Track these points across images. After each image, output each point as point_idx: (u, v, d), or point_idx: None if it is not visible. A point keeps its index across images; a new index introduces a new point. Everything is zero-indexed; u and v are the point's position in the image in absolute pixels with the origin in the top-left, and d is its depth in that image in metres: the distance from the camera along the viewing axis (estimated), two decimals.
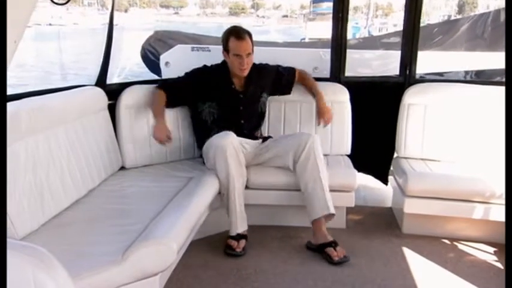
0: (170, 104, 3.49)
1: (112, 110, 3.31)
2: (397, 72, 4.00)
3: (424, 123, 3.70)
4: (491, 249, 3.30)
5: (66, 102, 2.89)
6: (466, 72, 7.09)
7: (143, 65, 7.24)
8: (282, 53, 5.62)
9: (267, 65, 3.83)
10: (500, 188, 3.03)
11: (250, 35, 3.44)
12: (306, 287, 2.82)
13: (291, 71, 3.86)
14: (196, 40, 6.88)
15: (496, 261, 3.18)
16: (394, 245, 3.32)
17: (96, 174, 2.96)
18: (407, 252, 3.23)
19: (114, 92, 3.35)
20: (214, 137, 3.25)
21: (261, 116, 3.79)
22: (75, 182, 2.68)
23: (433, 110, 3.70)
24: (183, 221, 2.44)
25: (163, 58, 6.07)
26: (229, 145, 3.13)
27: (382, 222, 3.65)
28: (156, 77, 6.05)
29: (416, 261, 3.14)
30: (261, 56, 3.54)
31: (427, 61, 5.66)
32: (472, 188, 3.20)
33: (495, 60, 7.75)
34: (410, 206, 3.32)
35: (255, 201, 3.31)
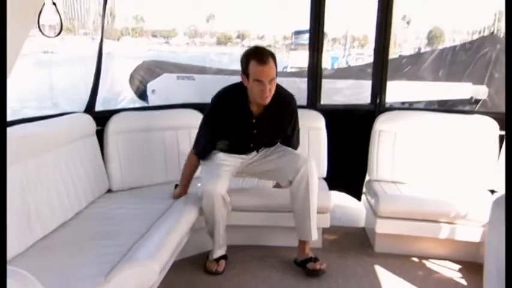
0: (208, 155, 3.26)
1: (100, 135, 3.31)
2: (369, 101, 4.03)
3: (394, 148, 3.73)
4: (457, 267, 3.33)
5: (56, 129, 2.88)
6: (431, 102, 7.20)
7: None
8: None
9: (293, 101, 3.28)
10: (464, 209, 3.12)
11: (274, 57, 2.87)
12: None
13: (295, 140, 3.40)
14: (182, 69, 6.92)
15: (461, 277, 3.21)
16: (367, 264, 3.33)
17: (84, 197, 2.94)
18: (379, 270, 3.24)
19: (102, 118, 3.34)
20: (205, 179, 3.13)
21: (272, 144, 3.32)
22: (63, 205, 2.66)
23: (402, 136, 3.73)
24: (166, 243, 2.45)
25: (150, 86, 6.12)
26: (217, 195, 2.96)
27: (356, 241, 3.66)
28: (143, 104, 6.08)
29: (387, 279, 3.15)
30: None
31: (397, 90, 5.78)
32: (438, 209, 3.23)
33: (457, 90, 7.98)
34: (382, 227, 3.34)
35: (236, 222, 3.28)
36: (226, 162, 3.12)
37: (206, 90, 4.69)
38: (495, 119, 3.70)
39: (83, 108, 3.33)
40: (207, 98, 3.81)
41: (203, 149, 3.18)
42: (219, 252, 3.16)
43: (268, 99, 2.91)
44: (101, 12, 3.49)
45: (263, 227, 3.45)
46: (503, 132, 3.59)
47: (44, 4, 2.25)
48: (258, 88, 2.83)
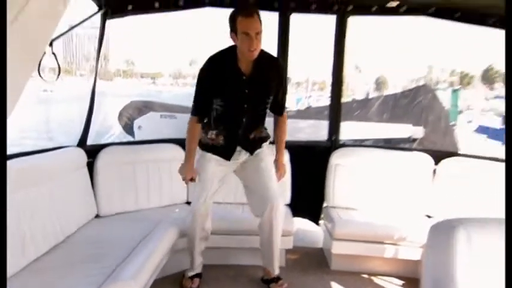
0: (206, 116, 2.99)
1: (91, 165, 3.21)
2: (326, 138, 4.03)
3: (347, 179, 3.73)
4: (400, 282, 3.36)
5: (51, 162, 2.79)
6: (378, 140, 7.38)
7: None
8: None
9: (279, 63, 3.05)
10: (405, 232, 3.16)
11: (258, 13, 2.62)
12: None
13: (284, 104, 3.14)
14: (166, 108, 6.98)
15: None
16: (324, 281, 3.29)
17: (73, 222, 2.83)
18: (335, 286, 3.21)
19: (93, 152, 3.24)
20: (195, 197, 2.98)
21: (263, 117, 3.03)
22: (54, 229, 2.56)
23: (354, 169, 3.74)
24: (146, 265, 2.36)
25: (137, 123, 6.13)
26: (198, 217, 2.92)
27: (315, 260, 3.60)
28: (130, 138, 6.09)
29: None
30: None
31: (349, 129, 5.90)
32: (384, 232, 3.24)
33: (399, 130, 8.28)
34: (337, 248, 3.31)
35: (212, 245, 3.18)
36: (216, 174, 2.96)
37: (186, 127, 4.65)
38: (430, 155, 3.77)
39: (77, 141, 3.24)
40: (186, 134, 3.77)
41: (200, 108, 2.92)
42: (195, 270, 3.08)
43: (256, 53, 2.65)
44: (96, 57, 3.44)
45: (235, 248, 3.35)
46: (436, 167, 3.71)
47: (44, 53, 2.18)
48: (246, 42, 2.57)
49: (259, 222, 3.00)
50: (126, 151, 3.49)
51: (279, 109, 3.06)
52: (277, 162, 3.14)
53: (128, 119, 7.14)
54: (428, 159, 3.72)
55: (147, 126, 6.02)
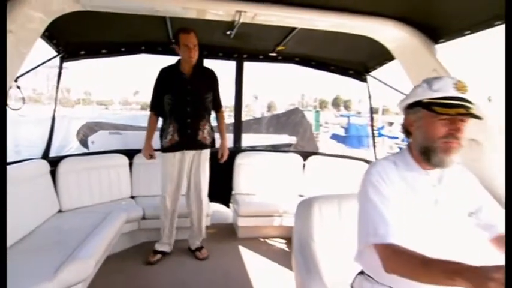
0: (159, 114, 2.98)
1: (54, 173, 3.03)
2: (233, 145, 4.08)
3: (247, 173, 3.83)
4: (284, 241, 3.52)
5: (21, 170, 2.60)
6: (267, 146, 7.64)
7: None
8: None
9: (214, 73, 3.01)
10: (286, 207, 3.33)
11: (195, 31, 2.71)
12: (186, 273, 2.78)
13: (220, 103, 3.12)
14: (114, 127, 6.77)
15: (286, 248, 3.40)
16: (234, 246, 3.36)
17: (40, 216, 2.67)
18: (241, 248, 3.30)
19: (55, 162, 3.06)
20: (162, 188, 2.96)
21: (206, 110, 2.95)
22: (23, 223, 2.41)
23: (251, 166, 3.85)
24: (99, 245, 2.30)
25: (90, 139, 5.84)
26: (168, 208, 2.97)
27: (227, 232, 3.66)
28: (85, 150, 5.82)
29: (246, 253, 3.22)
30: None
31: (248, 139, 6.09)
32: (272, 208, 3.40)
33: (280, 139, 8.74)
34: (241, 222, 3.41)
35: (154, 226, 3.16)
36: (175, 167, 2.91)
37: (129, 141, 4.52)
38: (300, 155, 4.00)
39: (41, 154, 3.05)
40: (130, 146, 3.67)
41: (155, 104, 2.92)
42: (160, 247, 3.04)
43: (194, 60, 2.76)
44: (55, 89, 3.29)
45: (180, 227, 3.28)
46: (304, 162, 3.95)
47: (10, 87, 2.06)
48: (187, 51, 2.70)
49: (191, 210, 3.06)
50: (82, 160, 3.33)
51: (217, 106, 3.05)
52: (222, 146, 3.11)
53: (83, 136, 6.80)
54: (299, 157, 3.94)
55: (98, 141, 5.72)
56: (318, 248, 1.55)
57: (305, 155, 4.01)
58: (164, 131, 2.92)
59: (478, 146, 1.97)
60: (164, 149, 2.91)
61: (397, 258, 1.05)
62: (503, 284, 0.74)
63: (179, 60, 2.86)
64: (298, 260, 1.52)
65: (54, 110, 3.21)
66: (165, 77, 2.87)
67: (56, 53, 3.05)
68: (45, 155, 3.06)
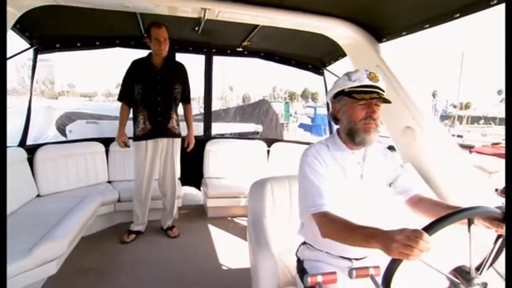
0: (130, 104, 2.84)
1: (31, 160, 2.91)
2: (202, 133, 4.05)
3: (216, 159, 3.82)
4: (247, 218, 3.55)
5: None
6: (235, 133, 7.66)
7: None
8: None
9: (183, 67, 2.93)
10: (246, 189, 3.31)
11: (166, 26, 2.64)
12: (158, 249, 2.78)
13: (189, 96, 3.03)
14: (91, 116, 6.57)
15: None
16: (203, 225, 3.38)
17: (20, 200, 2.60)
18: (210, 226, 3.33)
19: (32, 150, 2.94)
20: (136, 175, 2.89)
21: (175, 101, 2.87)
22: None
23: (220, 153, 3.85)
24: (73, 225, 2.26)
25: (68, 128, 5.66)
26: (142, 194, 2.91)
27: (198, 212, 3.67)
28: (63, 139, 5.65)
29: (214, 230, 3.26)
30: None
31: (217, 127, 6.07)
32: (238, 190, 3.41)
33: (248, 127, 8.81)
34: (211, 203, 3.42)
35: (130, 208, 3.10)
36: (148, 154, 2.83)
37: (105, 130, 4.40)
38: (265, 142, 4.02)
39: (18, 143, 2.93)
40: (106, 134, 3.57)
41: (123, 94, 2.81)
42: (134, 228, 3.00)
43: (164, 53, 2.69)
44: (30, 81, 3.12)
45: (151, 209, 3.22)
46: (269, 148, 3.97)
47: None
48: (157, 45, 2.63)
49: (164, 193, 3.04)
50: (59, 148, 3.21)
51: (185, 99, 2.97)
52: (189, 136, 3.05)
53: (61, 125, 6.55)
54: (264, 144, 3.97)
55: (76, 130, 5.56)
56: (269, 222, 1.59)
57: (269, 142, 4.04)
58: (135, 120, 2.83)
59: (412, 132, 2.07)
60: (137, 137, 2.82)
61: (330, 225, 1.13)
62: (404, 243, 0.80)
63: (150, 53, 2.79)
64: (251, 234, 1.56)
65: (30, 101, 3.07)
66: (137, 67, 2.78)
67: (29, 46, 2.90)
68: (22, 143, 2.95)
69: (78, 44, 3.28)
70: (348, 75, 1.25)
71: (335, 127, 1.43)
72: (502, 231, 0.94)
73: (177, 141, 2.98)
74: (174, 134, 2.91)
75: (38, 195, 2.91)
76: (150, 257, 2.66)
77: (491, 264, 0.91)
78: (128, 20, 2.79)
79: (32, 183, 2.87)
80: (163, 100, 2.79)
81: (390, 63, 2.13)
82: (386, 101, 1.20)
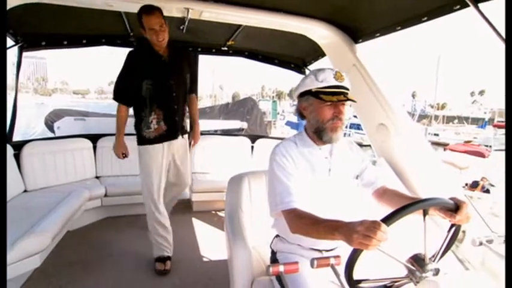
0: (131, 104, 2.27)
1: (18, 156, 2.85)
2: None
3: (202, 155, 3.78)
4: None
5: None
6: (223, 130, 7.65)
7: None
8: None
9: (190, 52, 2.43)
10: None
11: (160, 9, 2.03)
12: (144, 242, 2.68)
13: (194, 86, 2.56)
14: (79, 113, 6.45)
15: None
16: (188, 218, 3.37)
17: (7, 194, 2.51)
18: (194, 220, 3.32)
19: (19, 146, 2.87)
20: (147, 192, 2.31)
21: (186, 93, 2.40)
22: None
23: (206, 149, 3.79)
24: (57, 220, 2.21)
25: (56, 124, 5.55)
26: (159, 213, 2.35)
27: (184, 207, 3.62)
28: (51, 135, 5.56)
29: (198, 223, 3.25)
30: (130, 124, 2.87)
31: (205, 124, 6.03)
32: (219, 185, 3.27)
33: (234, 124, 8.82)
34: (195, 197, 3.39)
35: (116, 202, 3.11)
36: (164, 159, 2.29)
37: (93, 126, 4.31)
38: (250, 138, 4.02)
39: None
40: (93, 131, 3.50)
41: (124, 93, 2.23)
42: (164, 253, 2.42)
43: (164, 43, 2.12)
44: (15, 79, 2.97)
45: (130, 204, 3.24)
46: (253, 145, 3.95)
47: None
48: (154, 35, 2.05)
49: (168, 194, 2.60)
50: (47, 144, 3.13)
51: (192, 89, 2.49)
52: (195, 132, 2.59)
53: (50, 121, 6.42)
54: (248, 140, 3.96)
55: (64, 126, 5.46)
56: (245, 216, 1.59)
57: (253, 138, 4.02)
58: (143, 121, 2.25)
59: (386, 129, 2.09)
60: (149, 140, 2.25)
61: (298, 221, 1.13)
62: (364, 234, 0.81)
63: (147, 42, 2.19)
64: (227, 226, 1.56)
65: (15, 98, 2.96)
66: (140, 60, 2.19)
67: (13, 43, 2.81)
68: (7, 140, 2.85)
69: (65, 42, 3.17)
70: (315, 74, 1.22)
71: None
72: (454, 220, 0.97)
73: (186, 138, 2.53)
74: (184, 131, 2.44)
75: (25, 191, 2.84)
76: (135, 249, 2.63)
77: (445, 251, 0.93)
78: (113, 18, 2.71)
79: (19, 179, 2.79)
80: (178, 95, 2.29)
81: (366, 63, 2.15)
82: (353, 101, 1.18)
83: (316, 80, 1.21)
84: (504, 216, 0.94)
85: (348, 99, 1.18)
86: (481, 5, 1.28)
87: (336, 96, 1.17)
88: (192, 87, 2.49)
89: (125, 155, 2.41)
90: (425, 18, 1.67)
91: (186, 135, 2.48)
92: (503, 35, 1.13)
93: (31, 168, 2.89)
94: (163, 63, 2.21)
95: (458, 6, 1.43)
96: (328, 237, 0.96)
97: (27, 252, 1.85)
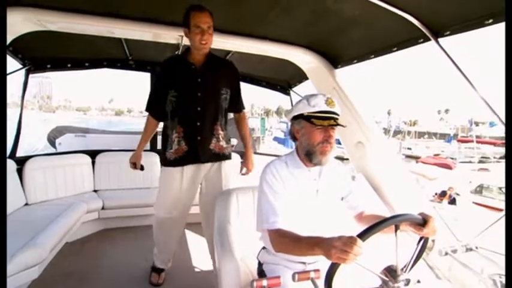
0: (158, 117, 1.96)
1: (20, 171, 2.77)
2: None
3: None
4: None
5: None
6: None
7: None
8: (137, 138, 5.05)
9: (233, 65, 1.99)
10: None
11: (210, 12, 1.70)
12: (139, 254, 2.62)
13: (240, 102, 2.08)
14: (81, 130, 6.37)
15: None
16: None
17: (8, 208, 2.44)
18: (187, 232, 3.15)
19: (22, 161, 2.80)
20: (163, 212, 1.98)
21: (220, 110, 1.89)
22: None
23: None
24: (55, 233, 2.14)
25: (58, 140, 5.47)
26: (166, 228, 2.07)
27: None
28: (53, 150, 5.45)
29: (191, 236, 3.12)
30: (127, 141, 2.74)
31: None
32: None
33: None
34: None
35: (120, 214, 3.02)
36: (183, 185, 1.90)
37: (93, 143, 4.24)
38: (238, 154, 3.61)
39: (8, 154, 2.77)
40: (92, 147, 3.43)
41: (155, 104, 1.92)
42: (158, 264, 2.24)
43: (207, 46, 1.75)
44: (21, 98, 2.94)
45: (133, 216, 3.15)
46: (242, 160, 3.80)
47: None
48: (198, 34, 1.69)
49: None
50: (48, 159, 3.06)
51: (237, 106, 2.05)
52: (246, 158, 2.15)
53: (52, 138, 6.35)
54: (238, 156, 3.58)
55: (65, 142, 5.39)
56: (233, 229, 1.57)
57: (242, 154, 3.92)
58: (167, 139, 1.89)
59: (363, 146, 2.12)
60: (168, 162, 1.88)
61: (281, 240, 1.13)
62: (341, 249, 0.82)
63: (188, 49, 1.87)
64: (216, 239, 1.53)
65: (21, 115, 2.93)
66: (169, 68, 1.87)
67: (21, 66, 2.81)
68: (12, 155, 2.81)
69: (69, 65, 3.18)
70: (307, 99, 1.22)
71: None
72: (423, 233, 0.98)
73: (227, 165, 2.00)
74: (219, 157, 1.93)
75: (26, 204, 2.75)
76: (129, 261, 2.55)
77: (415, 262, 0.94)
78: (114, 44, 2.74)
79: (20, 193, 2.71)
80: (205, 111, 1.83)
81: (344, 86, 2.19)
82: (342, 126, 1.19)
83: (309, 105, 1.20)
84: (504, 216, 0.92)
85: (338, 124, 1.18)
86: (440, 40, 1.39)
87: (327, 121, 1.18)
88: (238, 103, 2.04)
89: (138, 166, 2.08)
90: (395, 49, 1.75)
91: (225, 163, 1.98)
92: (459, 64, 1.22)
93: (32, 183, 2.81)
94: (193, 72, 1.81)
95: (422, 40, 1.51)
96: (309, 253, 0.97)
97: (26, 264, 1.78)
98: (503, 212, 1.42)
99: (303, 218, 1.23)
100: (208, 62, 1.85)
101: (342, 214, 1.35)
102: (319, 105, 1.20)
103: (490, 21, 1.19)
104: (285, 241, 1.10)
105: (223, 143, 1.93)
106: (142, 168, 2.11)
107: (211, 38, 1.74)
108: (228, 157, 1.98)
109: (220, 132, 1.91)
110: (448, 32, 1.36)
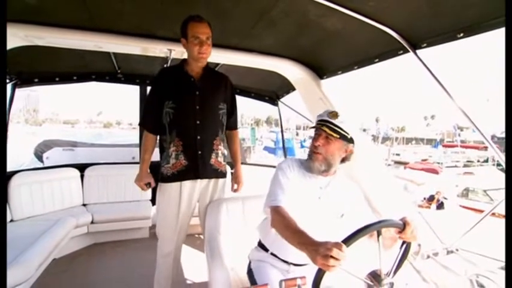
0: (156, 131, 1.80)
1: (5, 186, 2.70)
2: None
3: None
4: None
5: None
6: None
7: None
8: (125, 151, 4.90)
9: (228, 79, 1.91)
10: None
11: (208, 22, 1.64)
12: (129, 269, 2.58)
13: (234, 119, 1.99)
14: (69, 144, 6.26)
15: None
16: None
17: None
18: None
19: (8, 176, 2.73)
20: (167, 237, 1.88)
21: (220, 124, 1.83)
22: None
23: None
24: (42, 249, 2.09)
25: (45, 154, 5.34)
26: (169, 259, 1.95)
27: None
28: (40, 165, 5.32)
29: (183, 247, 3.08)
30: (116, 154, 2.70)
31: None
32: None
33: None
34: None
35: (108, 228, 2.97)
36: (184, 201, 1.79)
37: (81, 156, 4.18)
38: (228, 164, 3.71)
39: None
40: (81, 161, 3.39)
41: (150, 118, 1.78)
42: None
43: (206, 57, 1.70)
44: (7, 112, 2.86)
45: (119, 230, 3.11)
46: (232, 171, 3.83)
47: None
48: (196, 45, 1.63)
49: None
50: (35, 174, 3.01)
51: (232, 123, 1.97)
52: (236, 174, 2.06)
53: (39, 152, 6.20)
54: (228, 167, 3.73)
55: (52, 156, 5.27)
56: (223, 239, 1.58)
57: (231, 165, 3.94)
58: (164, 153, 1.79)
59: (351, 155, 2.16)
60: (166, 178, 1.77)
61: (280, 218, 1.16)
62: (325, 254, 0.84)
63: (185, 60, 1.81)
64: (207, 248, 1.54)
65: (5, 131, 2.84)
66: (166, 79, 1.77)
67: (8, 81, 2.77)
68: None
69: (57, 79, 3.14)
70: (322, 113, 1.33)
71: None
72: (405, 238, 1.02)
73: (222, 183, 1.93)
74: (217, 173, 1.85)
75: (12, 220, 2.68)
76: (119, 276, 2.49)
77: (398, 267, 0.96)
78: (102, 58, 2.73)
79: (5, 208, 2.61)
80: (205, 125, 1.76)
81: (330, 96, 2.25)
82: (331, 134, 1.24)
83: (319, 115, 1.32)
84: (504, 217, 0.89)
85: (324, 131, 1.24)
86: (418, 51, 1.47)
87: (321, 126, 1.26)
88: (232, 120, 1.96)
89: (149, 185, 1.87)
90: (377, 60, 1.81)
91: (220, 181, 1.90)
92: (435, 74, 1.29)
93: (18, 199, 2.75)
94: (191, 84, 1.74)
95: (401, 52, 1.58)
96: (296, 247, 1.00)
97: (11, 284, 1.73)
98: (483, 214, 1.49)
99: (300, 216, 1.22)
100: (206, 75, 1.79)
101: (337, 228, 1.31)
102: (323, 115, 1.30)
103: (461, 35, 1.27)
104: (282, 221, 1.13)
105: (221, 159, 1.85)
106: (150, 185, 1.89)
107: (209, 49, 1.69)
108: (224, 175, 1.91)
109: (220, 148, 1.83)
110: (425, 44, 1.45)
